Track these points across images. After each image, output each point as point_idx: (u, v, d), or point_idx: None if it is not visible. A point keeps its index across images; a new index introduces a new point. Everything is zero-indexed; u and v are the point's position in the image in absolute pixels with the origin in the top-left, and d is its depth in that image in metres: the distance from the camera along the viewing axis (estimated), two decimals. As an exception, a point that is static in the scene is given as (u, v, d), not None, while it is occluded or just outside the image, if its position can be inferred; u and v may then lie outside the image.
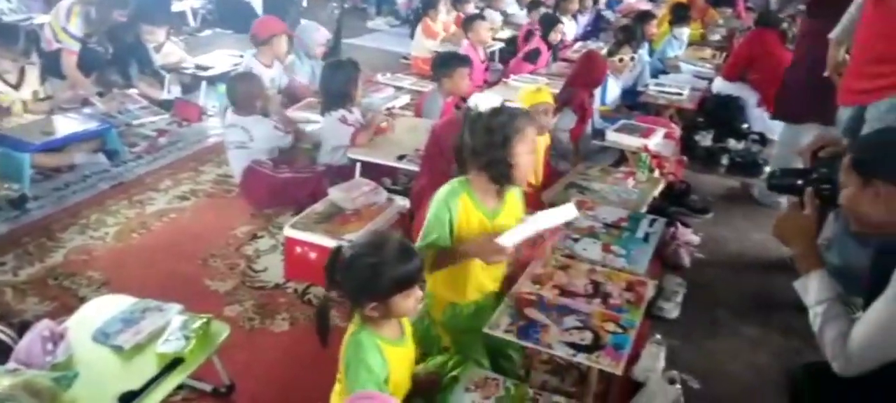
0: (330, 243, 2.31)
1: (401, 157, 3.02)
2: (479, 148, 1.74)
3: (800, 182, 1.69)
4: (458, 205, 1.77)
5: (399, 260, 1.43)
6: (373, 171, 3.05)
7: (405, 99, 4.24)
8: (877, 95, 2.15)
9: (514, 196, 1.92)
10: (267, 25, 4.09)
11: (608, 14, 7.23)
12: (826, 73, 2.58)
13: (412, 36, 6.27)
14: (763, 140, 4.17)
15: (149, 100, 4.32)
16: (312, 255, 2.45)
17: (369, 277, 1.41)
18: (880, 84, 2.14)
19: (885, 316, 1.36)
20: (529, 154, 1.78)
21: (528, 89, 2.97)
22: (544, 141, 3.01)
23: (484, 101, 1.78)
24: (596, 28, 6.78)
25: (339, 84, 3.19)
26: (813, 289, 1.54)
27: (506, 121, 1.73)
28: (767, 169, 3.97)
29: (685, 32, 5.56)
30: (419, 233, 1.79)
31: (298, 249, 2.50)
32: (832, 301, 1.49)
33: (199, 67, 4.65)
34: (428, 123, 3.19)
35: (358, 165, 3.08)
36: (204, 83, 4.54)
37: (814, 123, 3.17)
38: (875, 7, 2.21)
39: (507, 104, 1.79)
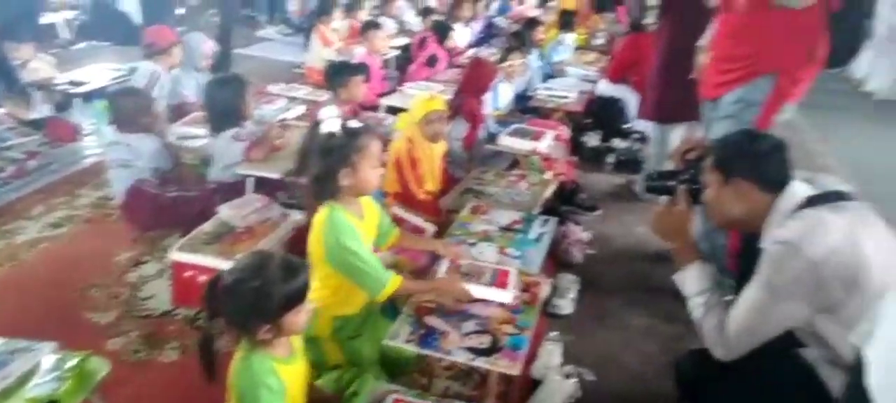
0: (221, 264, 2.22)
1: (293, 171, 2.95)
2: (322, 173, 1.77)
3: (672, 183, 1.81)
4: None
5: (285, 277, 1.39)
6: (267, 186, 2.97)
7: (299, 110, 4.15)
8: (727, 88, 2.42)
9: (367, 198, 1.96)
10: (164, 34, 3.88)
11: (499, 21, 7.42)
12: (692, 76, 2.78)
13: (306, 45, 6.16)
14: (644, 139, 4.42)
15: (16, 121, 3.99)
16: (202, 278, 2.35)
17: (257, 301, 1.36)
18: (729, 77, 2.40)
19: (756, 301, 1.48)
20: (375, 167, 1.83)
21: (422, 97, 3.00)
22: (441, 148, 3.05)
23: (327, 122, 1.78)
24: (488, 34, 6.95)
25: (226, 101, 3.05)
26: (691, 281, 1.65)
27: (345, 142, 1.76)
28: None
29: (571, 37, 5.81)
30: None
31: (187, 273, 2.39)
32: (710, 291, 1.61)
33: (72, 83, 4.34)
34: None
35: (250, 181, 2.98)
36: (78, 100, 4.24)
37: (681, 122, 3.42)
38: (724, 11, 2.45)
39: (351, 123, 1.82)
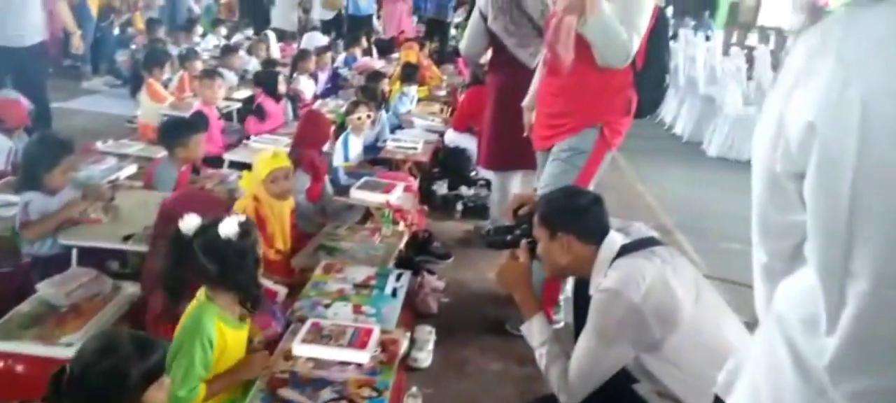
0: (43, 351, 1.98)
1: (127, 238, 2.70)
2: (229, 273, 1.72)
3: (509, 237, 1.94)
4: (214, 331, 1.69)
5: (140, 354, 1.30)
6: (94, 256, 2.70)
7: (132, 168, 3.83)
8: (558, 138, 2.68)
9: None
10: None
11: (345, 72, 7.46)
12: (525, 134, 3.00)
13: (133, 96, 5.74)
14: (489, 185, 4.64)
15: None
16: (19, 368, 2.06)
17: (112, 385, 1.25)
18: (560, 130, 2.68)
19: (589, 348, 1.60)
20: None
21: (265, 156, 2.90)
22: (289, 205, 2.97)
23: (226, 225, 1.73)
24: (335, 86, 6.95)
25: (40, 163, 2.74)
26: (536, 332, 1.75)
27: (243, 246, 1.73)
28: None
29: (414, 89, 5.97)
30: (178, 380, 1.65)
31: (1, 363, 2.09)
32: (552, 340, 1.71)
33: None
34: (159, 197, 2.93)
35: (74, 251, 2.69)
36: None
37: (516, 170, 3.64)
38: (549, 75, 2.71)
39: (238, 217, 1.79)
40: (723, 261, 3.73)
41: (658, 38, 2.57)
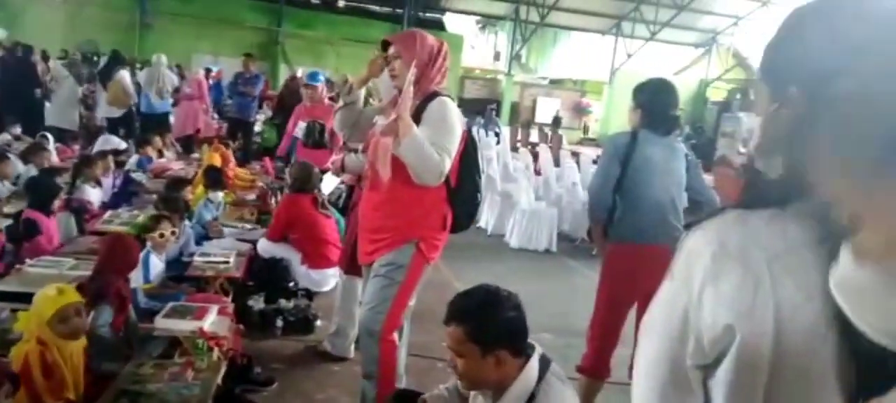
0: None
1: None
2: None
3: None
4: None
5: None
6: None
7: None
8: (379, 253, 2.77)
9: None
10: None
11: (139, 175, 6.85)
12: None
13: None
14: (311, 295, 4.48)
15: None
16: None
17: None
18: (380, 245, 2.77)
19: None
20: None
21: (48, 293, 2.48)
22: (80, 344, 2.57)
23: None
24: (125, 192, 6.32)
25: None
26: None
27: None
28: (318, 323, 4.26)
29: (220, 195, 5.66)
30: None
31: None
32: None
33: None
34: None
35: None
36: None
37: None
38: (369, 189, 2.84)
39: None
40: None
41: (469, 158, 2.82)
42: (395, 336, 2.83)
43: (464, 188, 2.82)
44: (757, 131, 0.85)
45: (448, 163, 2.62)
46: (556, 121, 17.63)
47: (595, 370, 3.14)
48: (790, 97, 0.78)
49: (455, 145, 2.68)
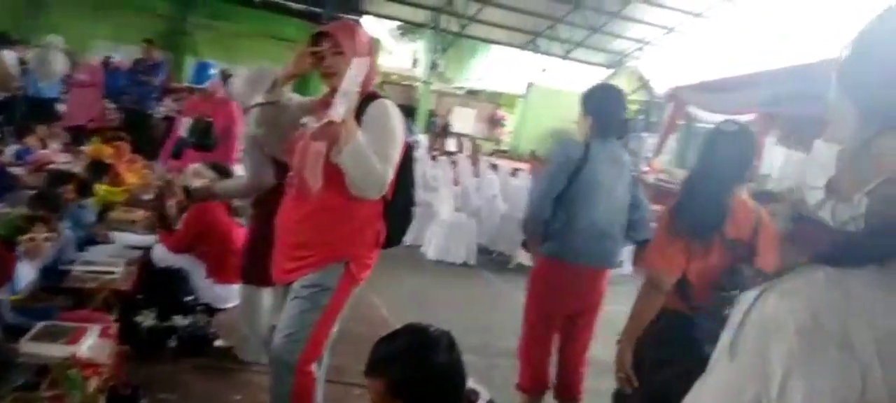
0: None
1: None
2: None
3: None
4: None
5: None
6: None
7: None
8: (300, 272, 2.44)
9: None
10: None
11: (16, 170, 6.07)
12: None
13: None
14: (211, 311, 4.03)
15: None
16: None
17: None
18: (303, 263, 2.44)
19: None
20: None
21: None
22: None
23: None
24: (1, 187, 5.55)
25: None
26: None
27: None
28: (218, 342, 3.85)
29: (101, 191, 5.05)
30: None
31: None
32: None
33: None
34: None
35: None
36: None
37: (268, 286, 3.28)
38: (296, 199, 2.48)
39: None
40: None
41: (406, 170, 2.55)
42: (314, 367, 2.50)
43: (398, 201, 2.56)
44: (836, 162, 0.66)
45: (391, 174, 2.36)
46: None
47: (534, 385, 3.09)
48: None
49: (398, 154, 2.42)
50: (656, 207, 3.61)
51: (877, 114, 0.61)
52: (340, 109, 2.17)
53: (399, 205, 2.57)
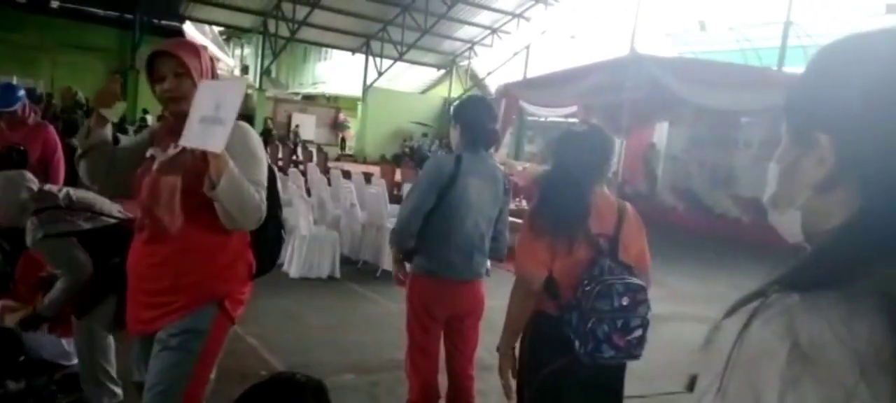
0: None
1: None
2: None
3: None
4: None
5: None
6: None
7: None
8: (166, 320, 2.16)
9: None
10: None
11: None
12: None
13: None
14: (52, 369, 3.46)
15: None
16: None
17: None
18: (169, 309, 2.17)
19: None
20: None
21: None
22: None
23: None
24: None
25: None
26: None
27: None
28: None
29: None
30: None
31: None
32: None
33: None
34: None
35: None
36: None
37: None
38: (149, 241, 2.21)
39: None
40: (342, 398, 3.55)
41: (271, 194, 2.33)
42: None
43: (269, 227, 2.33)
44: (773, 180, 0.75)
45: (265, 200, 2.15)
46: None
47: (425, 398, 3.02)
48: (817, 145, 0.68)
49: (265, 178, 2.22)
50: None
51: (801, 141, 0.70)
52: (219, 138, 1.92)
53: (270, 232, 2.36)
